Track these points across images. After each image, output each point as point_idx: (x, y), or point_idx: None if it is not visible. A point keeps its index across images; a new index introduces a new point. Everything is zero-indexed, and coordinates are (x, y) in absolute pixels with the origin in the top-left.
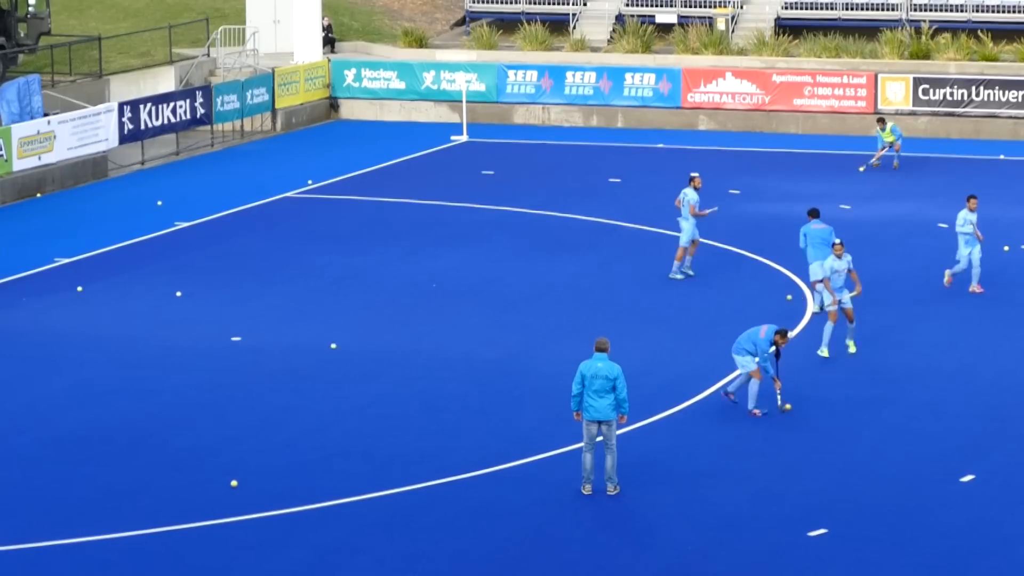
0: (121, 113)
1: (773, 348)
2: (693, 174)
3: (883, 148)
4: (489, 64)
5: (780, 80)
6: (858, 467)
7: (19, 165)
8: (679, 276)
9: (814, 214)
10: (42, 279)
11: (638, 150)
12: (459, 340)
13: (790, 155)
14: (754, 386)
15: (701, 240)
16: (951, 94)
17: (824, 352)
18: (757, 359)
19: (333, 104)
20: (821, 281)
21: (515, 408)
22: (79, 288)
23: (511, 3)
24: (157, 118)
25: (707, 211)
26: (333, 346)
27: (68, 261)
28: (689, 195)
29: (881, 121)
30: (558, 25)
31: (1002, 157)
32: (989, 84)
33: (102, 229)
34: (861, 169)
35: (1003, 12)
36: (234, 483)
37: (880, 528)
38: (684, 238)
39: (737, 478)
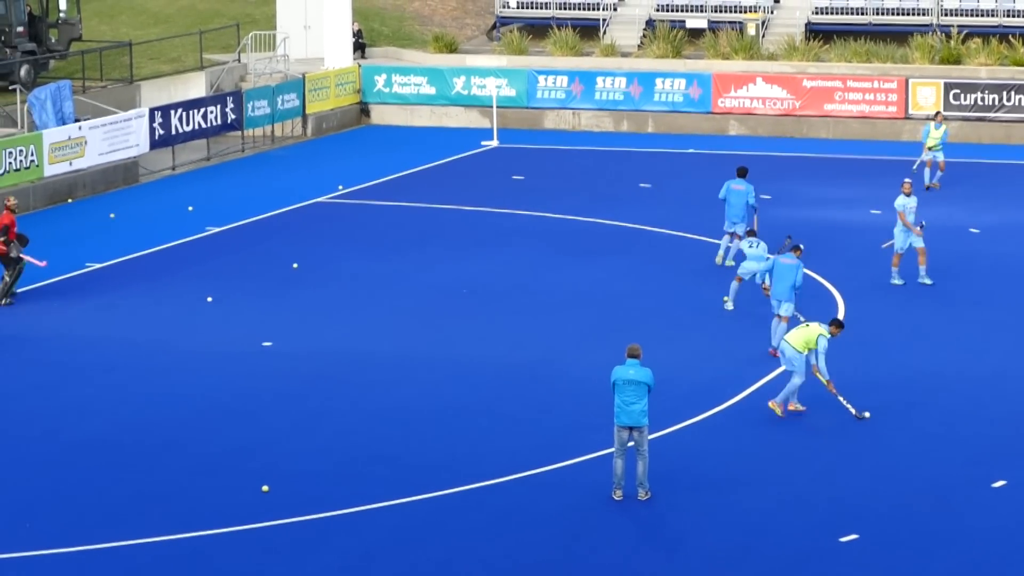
0: (152, 119)
1: None
2: (905, 179)
3: (926, 150)
4: (519, 69)
5: (811, 85)
6: (890, 472)
7: (50, 171)
8: (898, 281)
9: (742, 172)
10: (74, 284)
11: (668, 155)
12: (489, 345)
13: (821, 160)
14: (783, 329)
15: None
16: (982, 99)
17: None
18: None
19: (364, 109)
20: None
21: (545, 413)
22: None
23: (541, 8)
24: (188, 123)
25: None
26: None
27: (100, 266)
28: (900, 201)
29: (938, 116)
30: (588, 30)
31: None
32: (1020, 89)
33: (133, 234)
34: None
35: None
36: (265, 488)
37: (911, 534)
38: (896, 244)
39: (768, 484)
